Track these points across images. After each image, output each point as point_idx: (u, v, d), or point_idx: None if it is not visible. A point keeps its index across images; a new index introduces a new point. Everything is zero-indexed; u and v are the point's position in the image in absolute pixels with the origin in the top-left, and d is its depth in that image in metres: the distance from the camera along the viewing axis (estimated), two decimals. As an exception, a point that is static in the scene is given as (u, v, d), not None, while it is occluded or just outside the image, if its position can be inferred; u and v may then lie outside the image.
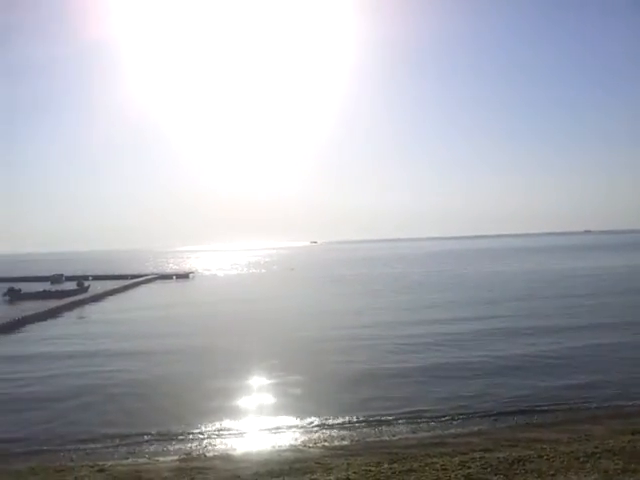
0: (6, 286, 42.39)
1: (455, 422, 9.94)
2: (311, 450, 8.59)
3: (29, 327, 24.58)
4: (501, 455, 7.38)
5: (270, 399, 11.51)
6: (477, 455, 7.49)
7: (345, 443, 8.97)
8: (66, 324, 25.71)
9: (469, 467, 6.93)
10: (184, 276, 60.30)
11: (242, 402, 11.34)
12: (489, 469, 6.82)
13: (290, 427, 9.82)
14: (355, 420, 10.04)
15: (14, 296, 39.17)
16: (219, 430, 9.76)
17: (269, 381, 12.68)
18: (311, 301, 31.25)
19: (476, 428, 9.59)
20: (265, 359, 14.94)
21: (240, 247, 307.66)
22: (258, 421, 10.28)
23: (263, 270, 70.23)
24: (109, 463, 8.18)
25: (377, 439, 9.24)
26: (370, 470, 7.05)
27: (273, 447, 8.88)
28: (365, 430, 9.65)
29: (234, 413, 10.66)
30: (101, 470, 7.78)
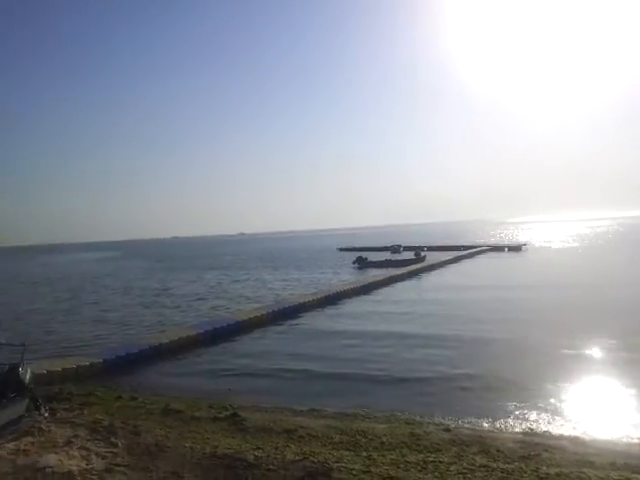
0: (355, 255, 48.45)
1: None
2: (682, 451, 7.33)
3: (375, 291, 27.51)
4: None
5: (626, 397, 10.09)
6: None
7: None
8: (404, 293, 27.43)
9: None
10: (516, 248, 58.60)
11: (594, 394, 10.30)
12: None
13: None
14: None
15: (362, 264, 44.35)
16: (566, 413, 9.13)
17: (625, 380, 10.98)
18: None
19: None
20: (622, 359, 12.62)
21: (581, 217, 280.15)
22: (615, 412, 9.20)
23: (608, 242, 62.84)
24: (453, 425, 8.55)
25: None
26: None
27: (630, 439, 7.88)
28: None
29: (583, 398, 9.85)
30: (446, 430, 8.19)
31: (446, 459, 6.76)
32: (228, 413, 9.00)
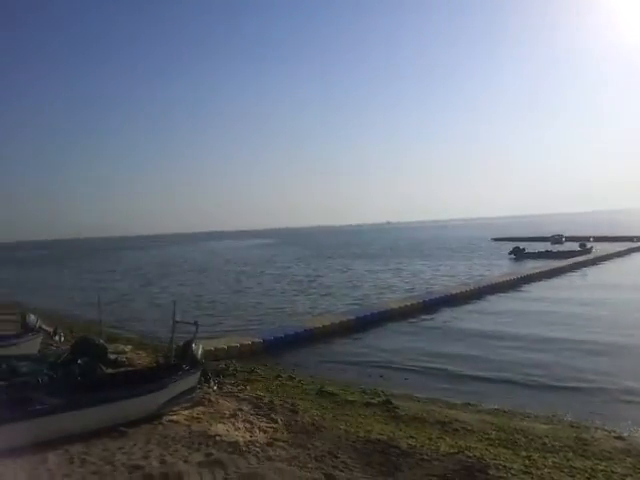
0: (511, 245, 45.96)
1: None
2: None
3: (533, 285, 25.87)
4: None
5: None
6: None
7: None
8: (564, 290, 25.21)
9: None
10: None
11: None
12: None
13: None
14: None
15: (519, 255, 42.03)
16: None
17: None
18: None
19: None
20: None
21: None
22: None
23: None
24: (626, 433, 7.77)
25: None
26: None
27: None
28: None
29: None
30: (619, 437, 7.49)
31: (620, 469, 6.15)
32: (381, 399, 9.08)
